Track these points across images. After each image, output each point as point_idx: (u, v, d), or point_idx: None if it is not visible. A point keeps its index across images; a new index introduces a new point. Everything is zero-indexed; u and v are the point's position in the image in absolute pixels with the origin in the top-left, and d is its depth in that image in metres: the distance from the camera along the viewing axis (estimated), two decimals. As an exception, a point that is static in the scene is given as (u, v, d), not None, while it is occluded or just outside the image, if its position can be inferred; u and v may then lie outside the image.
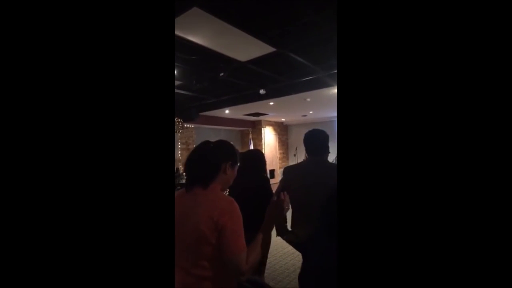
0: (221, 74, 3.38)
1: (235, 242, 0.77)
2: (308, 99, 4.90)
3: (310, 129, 1.51)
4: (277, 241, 1.87)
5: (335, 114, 6.95)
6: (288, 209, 0.89)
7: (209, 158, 0.89)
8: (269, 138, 8.01)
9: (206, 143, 0.95)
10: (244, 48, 2.66)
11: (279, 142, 8.43)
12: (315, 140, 1.44)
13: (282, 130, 8.68)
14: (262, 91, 4.10)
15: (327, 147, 1.43)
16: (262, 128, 7.79)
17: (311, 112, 6.59)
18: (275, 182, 7.62)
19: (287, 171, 1.55)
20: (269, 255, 1.99)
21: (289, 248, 2.15)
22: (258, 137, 7.75)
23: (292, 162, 8.61)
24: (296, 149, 8.41)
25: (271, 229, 0.87)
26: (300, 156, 8.18)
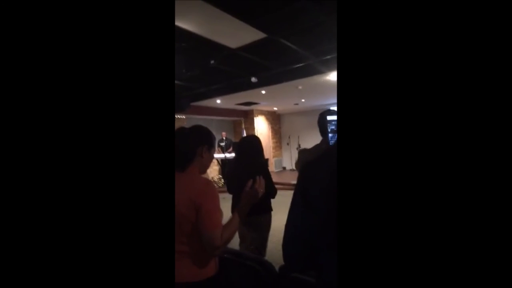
0: (212, 61, 3.33)
1: (210, 220, 0.84)
2: (300, 87, 4.90)
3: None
4: (282, 227, 1.91)
5: (327, 102, 6.98)
6: (263, 191, 0.97)
7: (185, 143, 0.94)
8: (261, 128, 8.01)
9: (181, 129, 0.99)
10: (234, 34, 2.62)
11: (272, 131, 8.45)
12: (324, 122, 1.45)
13: (275, 119, 8.69)
14: (253, 79, 4.08)
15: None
16: (255, 118, 7.78)
17: (303, 100, 6.59)
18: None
19: (302, 153, 1.58)
20: (274, 240, 2.03)
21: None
22: (251, 127, 7.75)
23: (285, 151, 8.66)
24: (289, 137, 8.45)
25: (246, 212, 0.96)
26: (293, 145, 8.23)
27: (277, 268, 1.03)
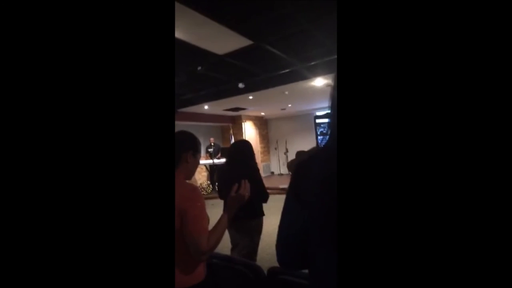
0: (199, 68, 3.34)
1: (196, 226, 0.84)
2: (286, 92, 4.97)
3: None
4: (271, 231, 1.92)
5: (313, 107, 7.10)
6: (249, 195, 0.98)
7: None
8: (249, 133, 8.03)
9: None
10: (221, 40, 2.64)
11: (260, 136, 8.49)
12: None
13: (262, 124, 8.74)
14: (241, 85, 4.10)
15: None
16: (243, 123, 7.79)
17: (289, 105, 6.68)
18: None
19: (299, 154, 1.59)
20: (263, 244, 2.02)
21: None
22: (239, 132, 7.75)
23: (273, 156, 8.70)
24: (277, 142, 8.50)
25: (232, 217, 0.96)
26: (281, 149, 8.29)
27: (265, 271, 1.04)
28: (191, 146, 0.97)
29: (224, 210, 0.96)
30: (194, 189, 0.90)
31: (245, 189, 0.97)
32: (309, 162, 0.55)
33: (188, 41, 2.60)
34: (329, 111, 0.55)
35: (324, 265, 0.49)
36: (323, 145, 0.56)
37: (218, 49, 2.88)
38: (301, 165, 0.55)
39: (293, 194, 0.54)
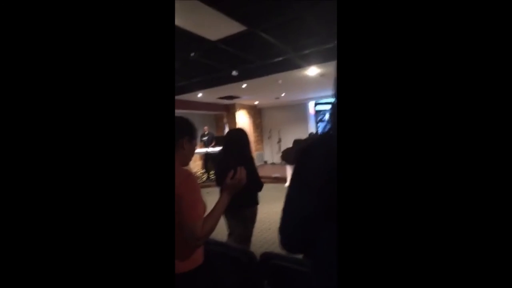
0: (192, 54, 3.28)
1: (190, 211, 0.84)
2: (280, 81, 4.94)
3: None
4: (263, 218, 1.96)
5: (307, 96, 7.09)
6: (245, 181, 0.97)
7: None
8: (243, 122, 8.00)
9: None
10: (214, 26, 2.59)
11: (253, 125, 8.47)
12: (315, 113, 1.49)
13: (256, 113, 8.71)
14: (234, 73, 4.06)
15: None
16: (236, 112, 7.75)
17: (283, 94, 6.65)
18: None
19: (296, 143, 1.59)
20: (256, 231, 2.06)
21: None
22: (233, 121, 7.71)
23: (266, 145, 8.73)
24: (270, 131, 8.52)
25: (227, 203, 0.96)
26: (274, 138, 8.32)
27: (258, 256, 1.08)
28: (187, 132, 0.96)
29: (220, 197, 0.97)
30: (189, 175, 0.90)
31: (241, 175, 0.97)
32: (314, 149, 0.54)
33: (181, 26, 2.53)
34: (331, 100, 0.54)
35: (330, 251, 0.49)
36: (325, 132, 0.56)
37: (211, 35, 2.82)
38: (305, 152, 0.55)
39: (298, 181, 0.54)
